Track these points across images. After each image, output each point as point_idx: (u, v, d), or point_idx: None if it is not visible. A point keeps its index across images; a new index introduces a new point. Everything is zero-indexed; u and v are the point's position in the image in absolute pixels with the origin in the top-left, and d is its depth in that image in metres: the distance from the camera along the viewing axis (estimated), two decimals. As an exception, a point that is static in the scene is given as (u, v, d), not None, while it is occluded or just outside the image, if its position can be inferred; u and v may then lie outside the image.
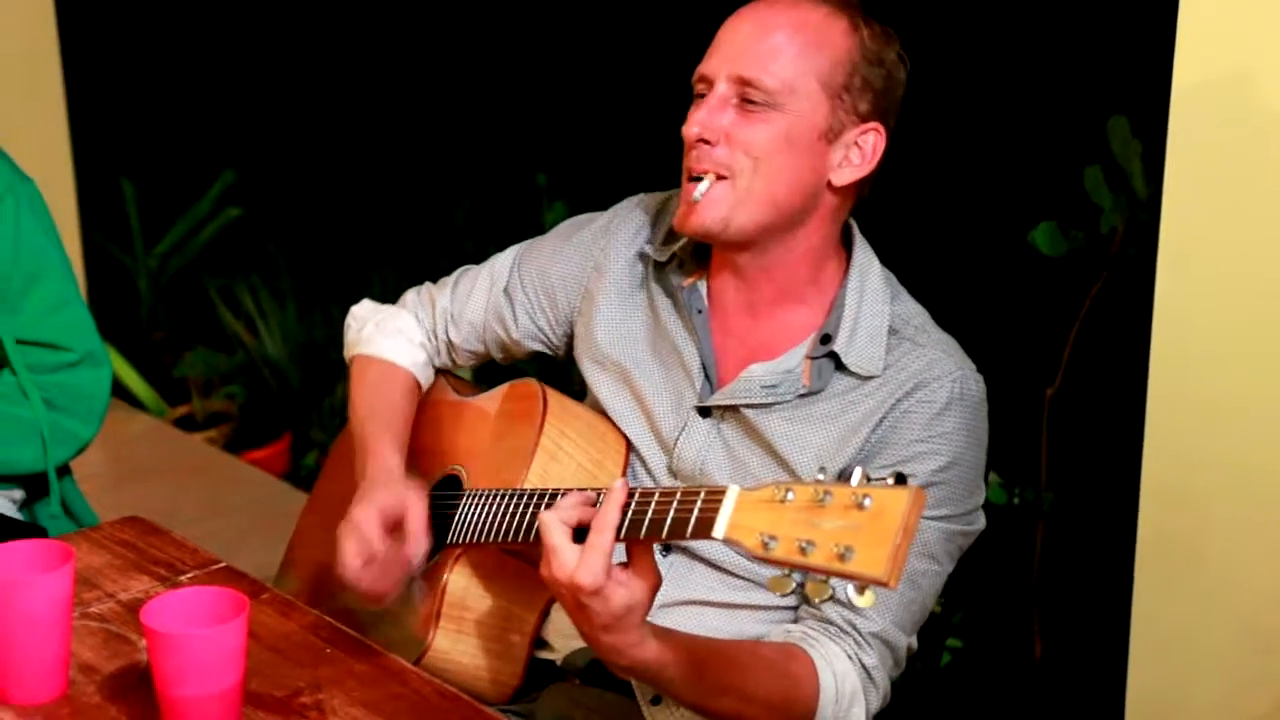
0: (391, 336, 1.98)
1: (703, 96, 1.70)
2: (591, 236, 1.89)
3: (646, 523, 1.41)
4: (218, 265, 4.13)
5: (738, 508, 1.32)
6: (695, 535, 1.36)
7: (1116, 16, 2.24)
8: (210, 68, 4.02)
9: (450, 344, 1.99)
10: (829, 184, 1.70)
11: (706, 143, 1.67)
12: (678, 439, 1.76)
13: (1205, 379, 1.93)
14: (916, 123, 2.49)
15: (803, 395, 1.70)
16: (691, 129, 1.68)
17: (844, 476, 1.27)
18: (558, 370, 2.01)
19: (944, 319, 1.78)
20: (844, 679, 1.61)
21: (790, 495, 1.27)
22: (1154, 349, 1.96)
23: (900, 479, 1.25)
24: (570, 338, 1.91)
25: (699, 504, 1.37)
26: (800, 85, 1.66)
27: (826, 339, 1.70)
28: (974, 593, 2.54)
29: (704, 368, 1.76)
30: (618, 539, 1.43)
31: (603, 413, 1.83)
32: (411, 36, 3.46)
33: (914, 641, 1.72)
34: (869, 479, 1.27)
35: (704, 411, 1.75)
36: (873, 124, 1.70)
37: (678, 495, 1.40)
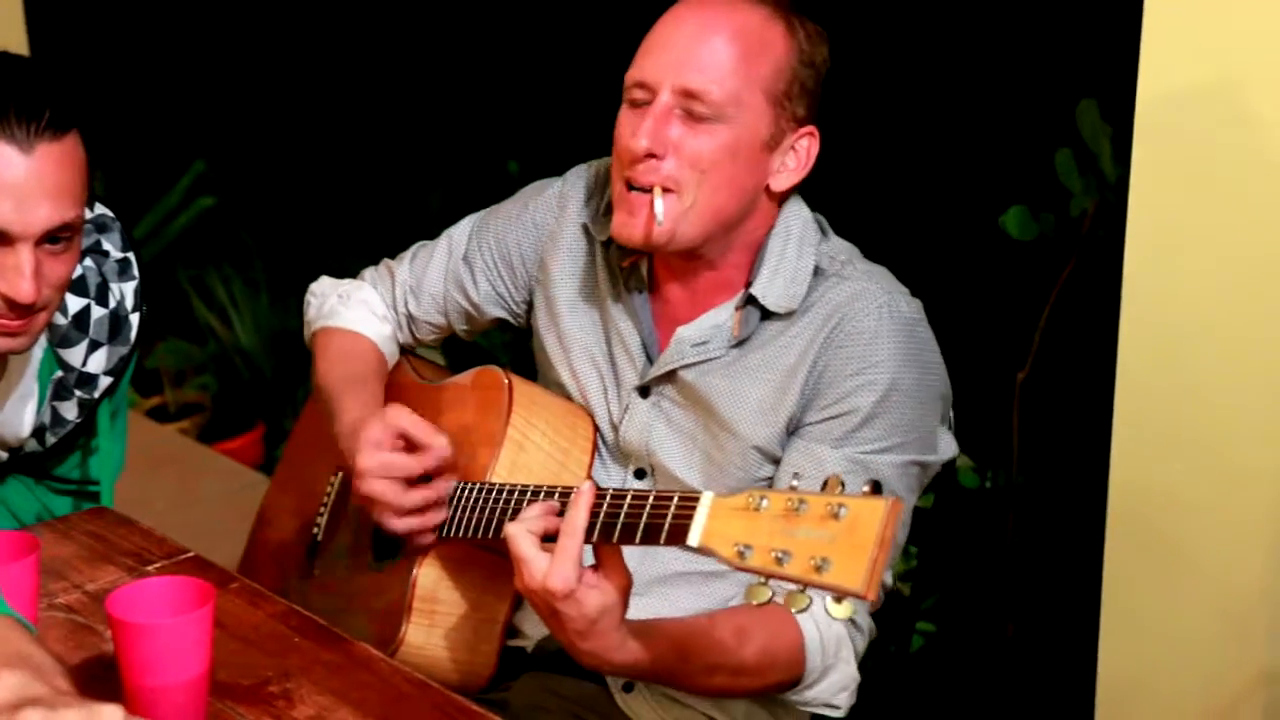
0: (356, 308, 1.95)
1: (640, 103, 1.65)
2: (545, 205, 1.87)
3: (619, 527, 1.40)
4: (190, 255, 4.11)
5: (712, 515, 1.30)
6: (669, 542, 1.34)
7: (1085, 1, 2.24)
8: (180, 57, 4.00)
9: (411, 317, 1.96)
10: (767, 189, 1.69)
11: (654, 156, 1.63)
12: (621, 421, 1.76)
13: (1174, 362, 1.93)
14: (887, 108, 2.49)
15: (734, 346, 1.69)
16: (639, 142, 1.62)
17: (821, 477, 1.26)
18: (527, 354, 2.00)
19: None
20: (827, 626, 1.60)
21: (765, 503, 1.26)
22: (1122, 332, 1.97)
23: (876, 488, 1.24)
24: (530, 305, 1.89)
25: (672, 510, 1.35)
26: (746, 97, 1.62)
27: (749, 286, 1.70)
28: (946, 576, 2.55)
29: (644, 347, 1.76)
30: (588, 542, 1.42)
31: (561, 389, 1.83)
32: (384, 26, 3.44)
33: (889, 578, 1.71)
34: (843, 486, 1.25)
35: (643, 391, 1.75)
36: (808, 128, 1.68)
37: (650, 499, 1.39)
